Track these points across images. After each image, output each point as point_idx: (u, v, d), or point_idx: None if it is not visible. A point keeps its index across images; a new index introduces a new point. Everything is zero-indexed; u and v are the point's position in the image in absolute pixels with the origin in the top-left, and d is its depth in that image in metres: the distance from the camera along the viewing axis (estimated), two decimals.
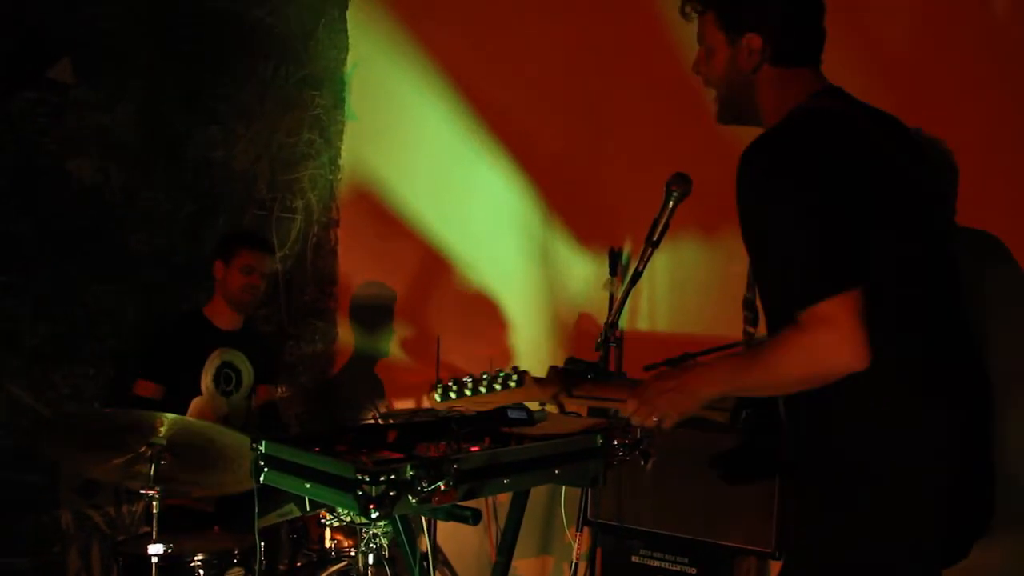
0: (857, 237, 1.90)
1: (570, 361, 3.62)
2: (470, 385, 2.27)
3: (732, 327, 3.62)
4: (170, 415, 2.87)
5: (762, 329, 2.26)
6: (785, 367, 1.91)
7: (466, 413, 2.68)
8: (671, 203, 2.57)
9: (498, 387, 2.27)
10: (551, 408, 2.47)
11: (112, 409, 3.94)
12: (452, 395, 2.28)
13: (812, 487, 2.03)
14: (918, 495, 1.93)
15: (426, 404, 4.31)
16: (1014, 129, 3.11)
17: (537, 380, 2.31)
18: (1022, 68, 3.13)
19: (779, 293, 1.96)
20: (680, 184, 2.55)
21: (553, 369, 2.41)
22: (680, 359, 3.59)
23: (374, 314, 5.07)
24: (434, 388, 2.33)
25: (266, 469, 2.29)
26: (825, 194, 1.91)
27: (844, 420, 1.97)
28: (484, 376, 2.30)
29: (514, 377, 2.27)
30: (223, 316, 3.97)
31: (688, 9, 2.24)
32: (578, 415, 3.33)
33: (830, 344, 1.84)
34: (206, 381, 3.86)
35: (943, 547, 2.00)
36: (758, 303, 2.21)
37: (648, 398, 2.15)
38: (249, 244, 3.99)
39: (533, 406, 2.94)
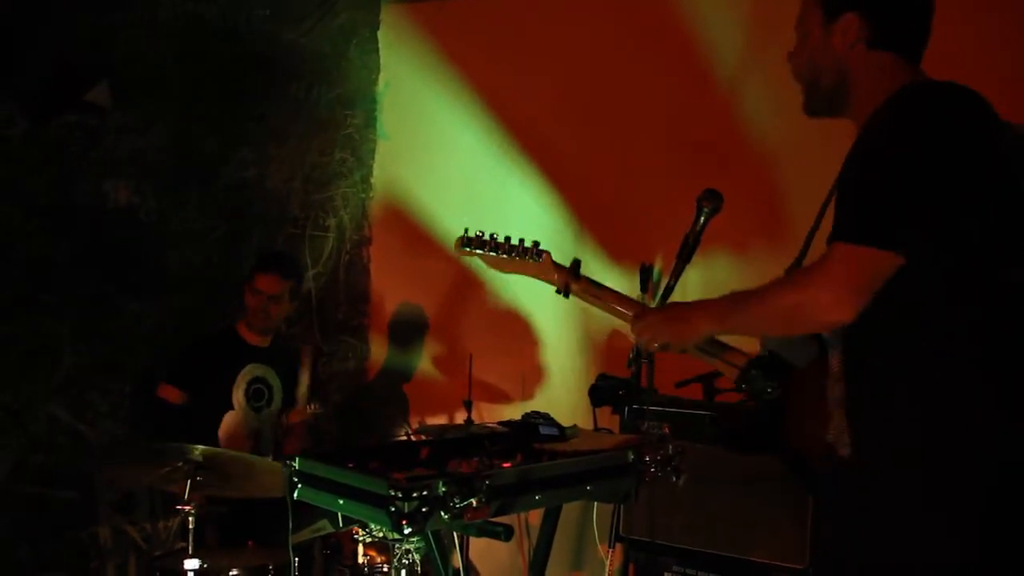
0: (944, 207, 1.79)
1: (602, 377, 3.64)
2: (491, 244, 2.40)
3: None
4: (200, 447, 2.90)
5: None
6: (776, 300, 1.91)
7: (498, 429, 2.69)
8: (702, 219, 2.56)
9: (517, 257, 2.40)
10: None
11: (145, 426, 4.02)
12: (470, 248, 2.43)
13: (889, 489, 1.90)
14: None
15: (458, 420, 4.32)
16: None
17: (555, 264, 2.43)
18: None
19: (836, 219, 1.86)
20: (711, 200, 2.53)
21: (575, 261, 2.51)
22: (712, 375, 3.60)
23: (407, 332, 5.10)
24: (462, 237, 2.45)
25: (300, 485, 2.31)
26: (952, 157, 1.80)
27: (913, 422, 1.86)
28: (507, 241, 2.43)
29: (534, 253, 2.40)
30: (254, 333, 4.02)
31: None
32: (609, 431, 3.34)
33: (817, 283, 1.81)
34: (237, 396, 3.91)
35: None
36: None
37: (652, 322, 2.20)
38: (262, 268, 4.02)
39: (563, 418, 2.95)
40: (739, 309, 2.03)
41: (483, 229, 2.54)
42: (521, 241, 2.49)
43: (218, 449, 3.06)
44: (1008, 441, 1.81)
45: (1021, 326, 1.85)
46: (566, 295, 2.51)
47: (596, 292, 2.46)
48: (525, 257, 2.44)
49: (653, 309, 2.25)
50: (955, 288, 1.82)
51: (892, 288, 1.81)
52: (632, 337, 2.25)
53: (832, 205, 1.97)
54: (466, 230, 2.51)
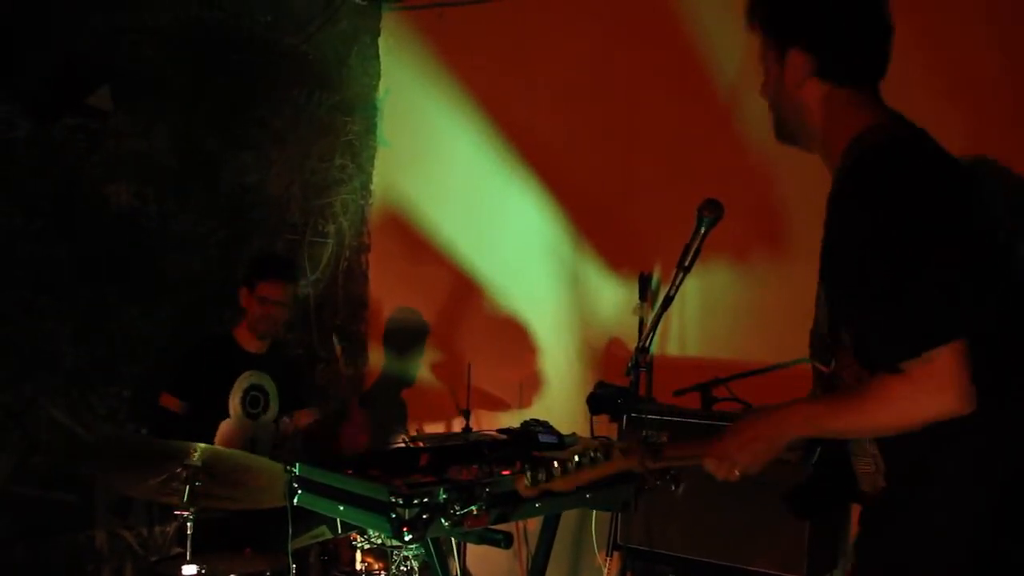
0: (968, 283, 1.82)
1: (600, 385, 3.65)
2: (558, 468, 2.18)
3: (762, 352, 3.65)
4: (202, 444, 2.90)
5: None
6: (884, 415, 1.85)
7: (498, 437, 2.70)
8: (703, 229, 2.58)
9: (589, 464, 2.19)
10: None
11: (147, 432, 4.02)
12: (542, 478, 2.19)
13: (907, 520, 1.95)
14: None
15: (457, 428, 4.32)
16: None
17: (622, 450, 2.24)
18: None
19: (883, 338, 1.85)
20: (712, 210, 2.56)
21: (632, 437, 2.43)
22: (711, 383, 3.61)
23: (405, 339, 5.11)
24: (523, 473, 2.20)
25: (300, 491, 2.31)
26: (941, 234, 1.81)
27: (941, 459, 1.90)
28: (574, 455, 2.21)
29: (598, 452, 2.20)
30: (250, 339, 4.01)
31: (750, 20, 2.12)
32: (608, 439, 3.34)
33: (936, 391, 1.78)
34: (233, 403, 3.90)
35: None
36: (828, 339, 2.11)
37: (728, 453, 2.08)
38: (268, 274, 3.99)
39: (561, 426, 2.96)
40: (829, 422, 1.95)
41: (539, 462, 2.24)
42: (584, 450, 2.26)
43: (218, 448, 3.06)
44: None
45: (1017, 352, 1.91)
46: (601, 404, 2.45)
47: (672, 456, 2.28)
48: (594, 462, 2.21)
49: (720, 441, 2.09)
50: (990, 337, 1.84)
51: None
52: (716, 475, 2.10)
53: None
54: (528, 471, 2.22)
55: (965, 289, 1.81)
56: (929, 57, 3.36)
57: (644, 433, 3.41)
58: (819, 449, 2.16)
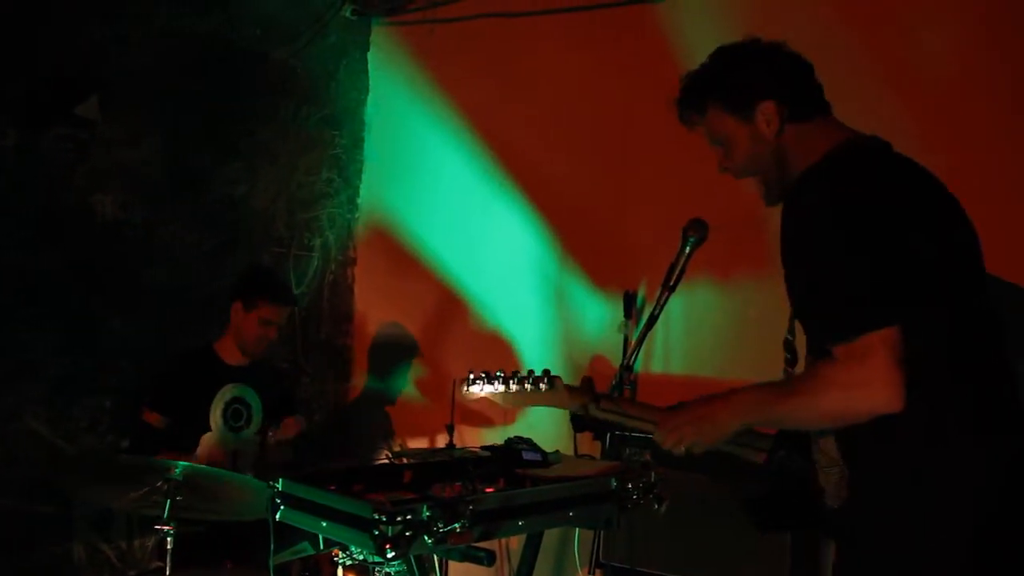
0: (901, 273, 1.89)
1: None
2: (500, 379, 2.25)
3: (747, 370, 3.63)
4: (183, 463, 2.89)
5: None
6: (817, 402, 1.92)
7: (481, 454, 2.70)
8: (688, 248, 2.60)
9: (528, 387, 2.26)
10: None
11: (128, 445, 3.99)
12: (476, 389, 2.27)
13: (867, 531, 2.00)
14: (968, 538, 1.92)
15: (440, 443, 4.31)
16: None
17: (568, 387, 2.30)
18: None
19: (819, 327, 1.96)
20: (697, 230, 2.58)
21: (586, 379, 2.41)
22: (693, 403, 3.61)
23: (389, 353, 5.10)
24: (463, 380, 2.31)
25: (282, 507, 2.30)
26: (874, 227, 1.90)
27: (897, 466, 1.96)
28: (516, 374, 2.29)
29: (545, 380, 2.27)
30: (233, 353, 3.99)
31: (689, 118, 2.29)
32: (591, 457, 3.35)
33: (865, 381, 1.83)
34: (215, 417, 3.87)
35: None
36: (797, 344, 2.22)
37: (677, 425, 2.16)
38: (271, 296, 3.95)
39: (544, 443, 2.96)
40: (769, 409, 2.04)
41: (483, 370, 2.38)
42: (530, 372, 2.36)
43: (199, 465, 3.04)
44: (986, 466, 1.92)
45: (986, 351, 1.99)
46: (584, 422, 2.45)
47: (616, 408, 2.37)
48: (536, 386, 2.32)
49: (675, 412, 2.20)
50: (927, 334, 1.90)
51: None
52: (663, 445, 2.20)
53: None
54: (470, 371, 2.37)
55: (900, 281, 1.87)
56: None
57: (627, 451, 3.42)
58: (781, 454, 2.21)
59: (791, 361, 2.24)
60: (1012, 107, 3.26)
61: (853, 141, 2.10)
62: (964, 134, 3.33)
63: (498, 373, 2.27)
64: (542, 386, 2.27)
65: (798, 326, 2.16)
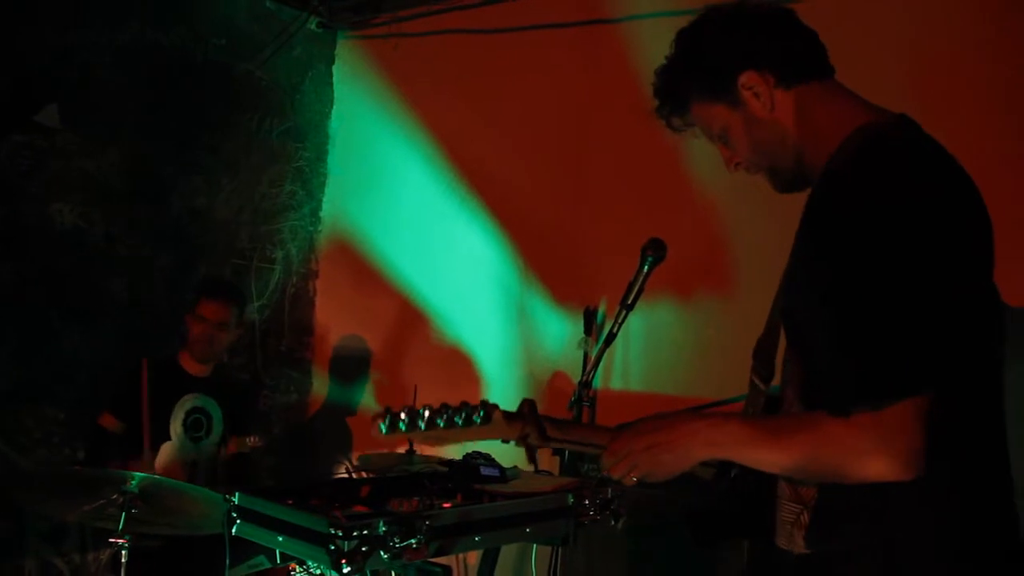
0: (954, 330, 1.58)
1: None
2: (426, 417, 1.84)
3: (706, 388, 3.69)
4: (140, 474, 2.87)
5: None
6: (817, 460, 1.62)
7: (439, 469, 2.71)
8: (646, 267, 2.63)
9: (460, 422, 1.86)
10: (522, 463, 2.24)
11: (83, 453, 3.95)
12: (402, 427, 1.82)
13: None
14: None
15: (400, 450, 4.31)
16: None
17: (507, 416, 1.92)
18: None
19: (839, 371, 1.60)
20: (655, 249, 2.61)
21: (526, 403, 2.01)
22: (653, 419, 3.63)
23: (350, 366, 5.09)
24: (380, 417, 1.85)
25: (239, 521, 2.30)
26: (939, 267, 1.56)
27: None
28: (444, 408, 1.87)
29: (480, 412, 1.86)
30: (195, 364, 3.98)
31: (675, 122, 1.95)
32: (550, 473, 3.36)
33: (890, 453, 1.54)
34: (175, 426, 3.85)
35: None
36: (778, 361, 1.92)
37: (629, 451, 1.78)
38: (206, 294, 3.98)
39: (503, 458, 2.98)
40: (757, 450, 1.69)
41: (405, 407, 1.89)
42: (463, 404, 1.90)
43: (156, 476, 3.02)
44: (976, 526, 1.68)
45: (986, 410, 1.71)
46: (530, 453, 2.05)
47: (561, 435, 2.00)
48: (471, 419, 1.88)
49: (626, 436, 1.80)
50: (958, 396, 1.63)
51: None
52: (612, 474, 1.82)
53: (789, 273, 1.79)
54: (387, 410, 1.86)
55: (946, 340, 1.57)
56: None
57: (585, 466, 3.44)
58: (734, 474, 1.94)
59: (763, 375, 1.97)
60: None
61: (888, 127, 1.71)
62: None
63: (423, 411, 1.84)
64: (476, 419, 1.87)
65: (773, 328, 1.90)
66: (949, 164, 1.67)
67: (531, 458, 2.08)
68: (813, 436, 1.61)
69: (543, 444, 1.96)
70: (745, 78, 1.81)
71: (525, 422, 1.97)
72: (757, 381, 1.96)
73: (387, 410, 1.86)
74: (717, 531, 2.13)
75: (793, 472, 1.71)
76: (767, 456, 1.67)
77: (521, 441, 1.98)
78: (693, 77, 1.87)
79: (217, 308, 3.93)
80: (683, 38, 1.90)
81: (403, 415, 1.85)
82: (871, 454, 1.55)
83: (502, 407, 1.91)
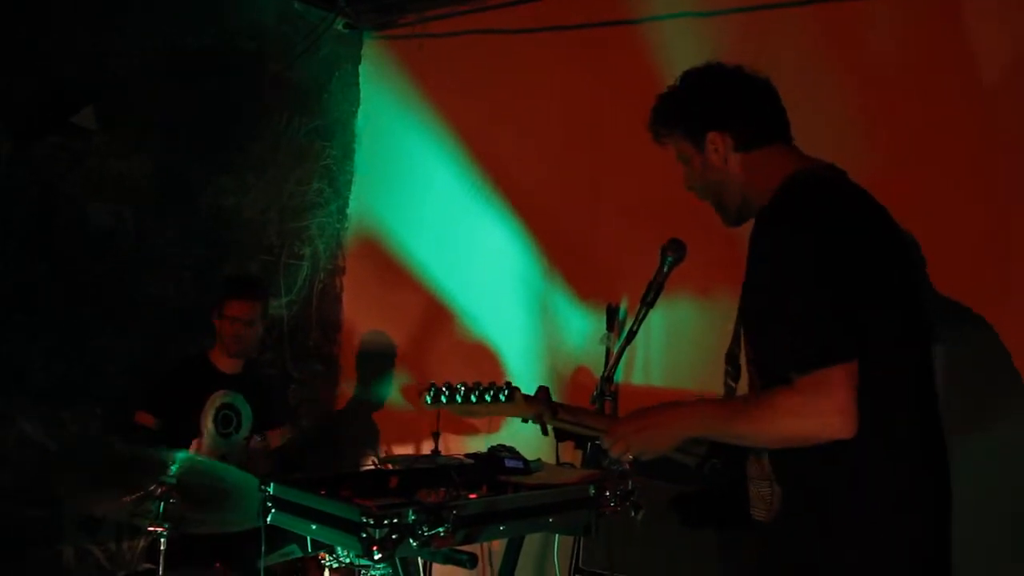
0: (863, 308, 1.99)
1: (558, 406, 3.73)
2: (462, 392, 2.32)
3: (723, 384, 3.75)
4: (182, 453, 2.96)
5: (742, 385, 2.37)
6: (773, 425, 2.00)
7: (465, 462, 2.79)
8: (665, 267, 2.69)
9: (488, 399, 2.33)
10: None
11: (121, 444, 4.06)
12: (443, 399, 2.32)
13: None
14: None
15: (426, 449, 4.39)
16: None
17: (525, 397, 2.39)
18: None
19: (779, 353, 2.03)
20: (675, 249, 2.67)
21: (542, 389, 2.49)
22: (667, 405, 3.71)
23: (376, 361, 5.18)
24: (425, 390, 2.35)
25: (273, 510, 2.39)
26: (840, 261, 1.99)
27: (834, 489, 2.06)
28: (476, 386, 2.36)
29: (505, 391, 2.34)
30: (225, 360, 4.09)
31: (660, 132, 2.43)
32: (572, 466, 3.44)
33: (822, 411, 1.92)
34: (206, 422, 3.96)
35: None
36: (742, 359, 2.31)
37: (625, 433, 2.25)
38: (234, 294, 4.09)
39: (527, 451, 3.06)
40: (718, 426, 2.13)
41: (445, 383, 2.40)
42: (491, 383, 2.42)
43: (196, 457, 3.10)
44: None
45: (929, 384, 2.12)
46: (544, 429, 2.49)
47: (570, 418, 2.46)
48: (495, 399, 2.38)
49: (622, 421, 2.31)
50: (876, 371, 2.00)
51: None
52: (611, 452, 2.30)
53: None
54: (432, 385, 2.40)
55: (861, 316, 1.97)
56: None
57: (607, 459, 3.51)
58: (714, 461, 2.31)
59: (733, 375, 2.36)
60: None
61: (811, 171, 2.18)
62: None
63: (459, 386, 2.33)
64: (501, 397, 2.34)
65: (737, 338, 2.29)
66: (849, 193, 2.15)
67: (544, 431, 2.49)
68: (767, 405, 2.01)
69: (553, 423, 2.40)
70: (712, 136, 2.28)
71: (540, 403, 2.40)
72: (729, 382, 2.38)
73: (431, 385, 2.34)
74: (700, 514, 2.56)
75: (757, 439, 2.10)
76: (735, 428, 2.08)
77: (536, 419, 2.42)
78: (676, 116, 2.36)
79: (244, 306, 4.04)
80: (684, 80, 2.37)
81: (444, 389, 2.32)
82: (810, 413, 1.93)
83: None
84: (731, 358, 2.39)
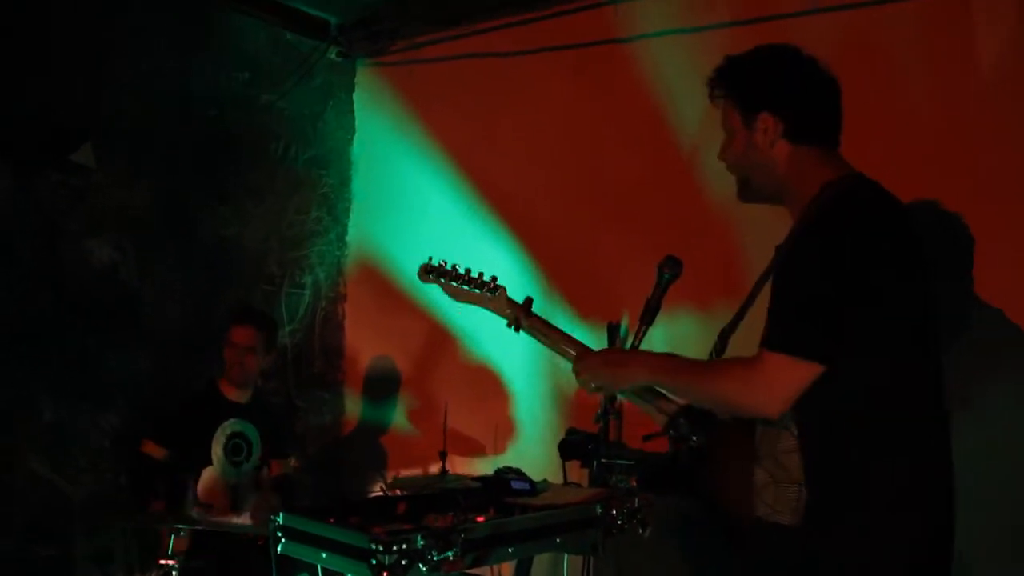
0: (855, 322, 2.01)
1: (571, 432, 3.76)
2: (453, 275, 2.59)
3: None
4: (184, 526, 2.97)
5: None
6: (717, 383, 2.12)
7: (472, 485, 2.81)
8: (663, 284, 2.70)
9: (475, 289, 2.59)
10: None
11: (127, 480, 4.07)
12: (432, 276, 2.60)
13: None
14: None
15: (433, 471, 4.41)
16: None
17: (509, 300, 2.62)
18: None
19: (767, 326, 2.08)
20: (671, 267, 2.68)
21: (528, 299, 2.71)
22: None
23: (381, 386, 5.20)
24: (422, 266, 2.62)
25: (283, 539, 2.41)
26: (858, 269, 2.01)
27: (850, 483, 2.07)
28: (468, 274, 2.63)
29: (492, 288, 2.60)
30: (233, 388, 4.11)
31: (715, 93, 2.37)
32: (579, 485, 3.46)
33: (766, 391, 2.02)
34: (216, 451, 3.98)
35: None
36: (731, 340, 2.42)
37: (592, 364, 2.40)
38: (236, 320, 4.16)
39: (534, 471, 3.07)
40: (677, 375, 2.25)
41: (446, 260, 2.74)
42: (480, 274, 2.68)
43: (203, 519, 3.13)
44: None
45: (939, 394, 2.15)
46: (517, 330, 2.69)
47: (544, 330, 2.63)
48: (482, 290, 2.63)
49: (594, 352, 2.45)
50: (885, 382, 2.07)
51: (841, 379, 2.04)
52: (577, 379, 2.44)
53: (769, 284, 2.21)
54: (430, 258, 2.70)
55: (865, 320, 2.00)
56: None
57: (614, 478, 3.52)
58: (681, 421, 2.39)
59: (719, 351, 2.46)
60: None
61: (852, 185, 2.17)
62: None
63: (454, 266, 2.62)
64: (487, 292, 2.59)
65: (742, 326, 2.40)
66: (885, 207, 2.14)
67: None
68: (722, 366, 2.16)
69: (526, 327, 2.63)
70: (764, 116, 2.24)
71: (519, 307, 2.65)
72: (714, 356, 2.47)
73: (430, 259, 2.73)
74: (665, 480, 2.66)
75: (701, 396, 2.22)
76: (686, 380, 2.21)
77: (513, 321, 2.66)
78: (737, 86, 2.30)
79: (245, 333, 4.07)
80: (757, 52, 2.31)
81: (438, 265, 2.68)
82: (754, 387, 2.03)
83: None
84: (723, 335, 2.50)
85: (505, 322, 2.74)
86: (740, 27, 3.93)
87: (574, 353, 2.53)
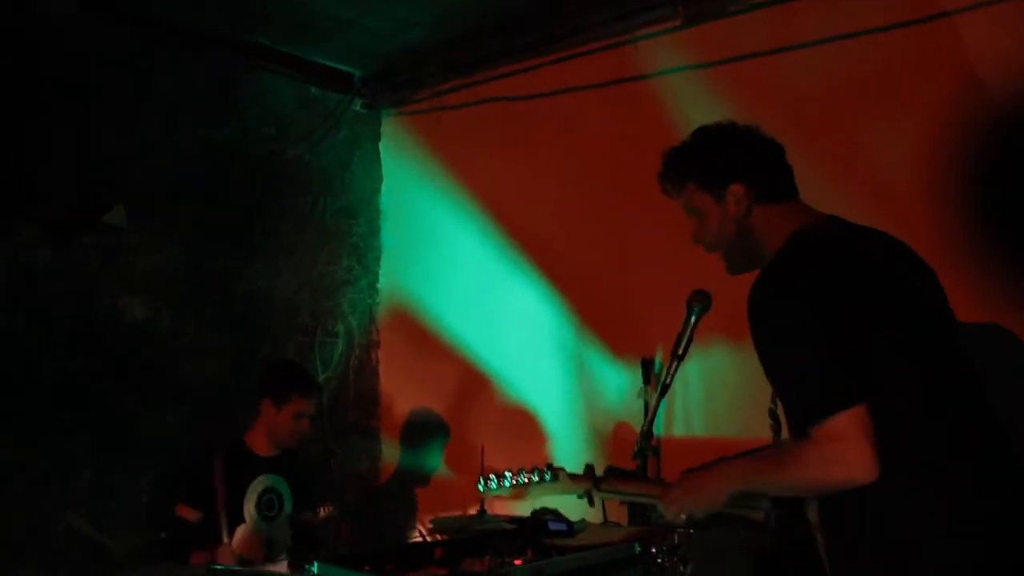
0: (861, 354, 2.02)
1: (609, 469, 3.72)
2: (509, 478, 2.54)
3: (765, 429, 3.70)
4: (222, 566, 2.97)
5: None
6: (800, 475, 2.07)
7: (507, 527, 2.78)
8: (692, 318, 2.70)
9: (536, 479, 2.52)
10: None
11: (166, 538, 4.08)
12: (493, 485, 2.54)
13: None
14: None
15: (471, 511, 4.37)
16: None
17: (571, 475, 2.57)
18: None
19: (793, 408, 2.09)
20: (700, 300, 2.68)
21: (588, 466, 2.67)
22: (714, 464, 3.69)
23: (417, 432, 5.19)
24: (479, 481, 2.60)
25: None
26: (830, 313, 2.04)
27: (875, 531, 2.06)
28: (522, 471, 2.58)
29: (547, 473, 2.54)
30: (263, 444, 4.08)
31: (668, 188, 2.49)
32: (618, 524, 3.42)
33: (840, 459, 1.97)
34: (249, 508, 3.95)
35: None
36: (780, 413, 2.35)
37: (676, 497, 2.37)
38: (301, 391, 4.06)
39: (572, 511, 3.05)
40: (754, 478, 2.23)
41: (493, 472, 2.71)
42: (534, 468, 2.63)
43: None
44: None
45: (930, 415, 2.10)
46: (591, 502, 2.68)
47: (618, 487, 2.63)
48: (541, 479, 2.59)
49: (675, 485, 2.42)
50: (899, 405, 2.05)
51: None
52: (666, 515, 2.42)
53: None
54: (482, 477, 2.68)
55: (859, 363, 2.01)
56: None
57: (653, 515, 3.48)
58: (779, 512, 2.39)
59: (776, 428, 2.51)
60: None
61: (810, 229, 2.25)
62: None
63: (506, 473, 2.58)
64: (546, 477, 2.55)
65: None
66: (841, 242, 2.21)
67: (591, 503, 2.68)
68: (794, 458, 2.08)
69: (602, 496, 2.59)
70: (735, 187, 2.33)
71: (585, 480, 2.58)
72: (774, 435, 2.59)
73: (480, 476, 2.67)
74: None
75: (791, 488, 2.19)
76: (772, 481, 2.18)
77: (585, 494, 2.61)
78: (696, 169, 2.40)
79: (309, 404, 4.06)
80: (701, 135, 2.43)
81: (493, 477, 2.61)
82: (831, 462, 1.99)
83: (567, 460, 2.72)
84: (771, 414, 2.56)
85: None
86: (767, 56, 3.94)
87: (656, 494, 2.51)
